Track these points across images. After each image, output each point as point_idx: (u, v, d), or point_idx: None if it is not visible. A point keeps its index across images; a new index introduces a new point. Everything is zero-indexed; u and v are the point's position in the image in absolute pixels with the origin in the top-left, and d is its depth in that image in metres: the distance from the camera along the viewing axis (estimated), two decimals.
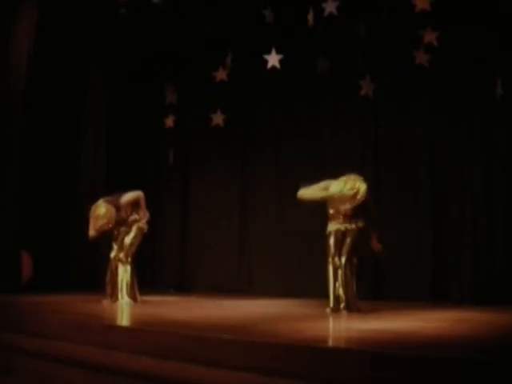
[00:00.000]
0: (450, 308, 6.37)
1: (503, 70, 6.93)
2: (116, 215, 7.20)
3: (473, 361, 3.19)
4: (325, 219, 6.26)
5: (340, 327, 5.14)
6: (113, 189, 7.77)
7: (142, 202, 7.41)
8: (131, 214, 7.38)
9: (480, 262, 7.11)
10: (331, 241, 6.13)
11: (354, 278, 6.06)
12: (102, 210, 7.15)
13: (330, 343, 4.26)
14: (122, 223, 7.36)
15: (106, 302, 7.13)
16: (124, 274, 7.19)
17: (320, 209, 6.62)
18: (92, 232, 7.21)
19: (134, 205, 7.41)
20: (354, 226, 6.11)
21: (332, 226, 6.17)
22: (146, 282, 8.66)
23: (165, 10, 8.45)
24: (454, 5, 7.16)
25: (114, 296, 7.16)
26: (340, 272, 5.98)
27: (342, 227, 6.13)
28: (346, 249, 6.05)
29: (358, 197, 5.91)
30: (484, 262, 7.08)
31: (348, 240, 6.07)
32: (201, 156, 9.76)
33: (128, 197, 7.38)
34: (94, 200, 7.44)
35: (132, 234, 7.33)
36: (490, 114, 7.16)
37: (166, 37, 9.13)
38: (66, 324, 5.24)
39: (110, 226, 7.17)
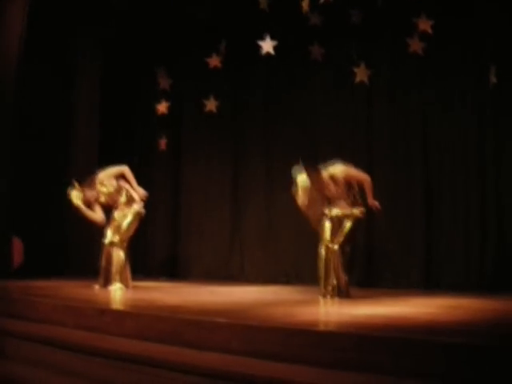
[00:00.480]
0: (443, 295, 6.37)
1: (497, 59, 6.94)
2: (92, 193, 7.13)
3: (468, 345, 3.21)
4: None
5: (333, 312, 5.18)
6: None
7: (130, 177, 7.20)
8: (119, 194, 7.21)
9: (472, 250, 7.15)
10: (326, 226, 6.12)
11: (345, 264, 6.08)
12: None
13: (324, 327, 4.28)
14: (112, 203, 7.27)
15: (97, 287, 7.11)
16: (117, 258, 7.13)
17: None
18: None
19: (120, 180, 7.23)
20: (351, 212, 6.11)
21: (329, 211, 6.16)
22: (137, 268, 8.65)
23: None
24: None
25: (106, 281, 7.14)
26: (332, 258, 5.99)
27: (340, 213, 6.12)
28: (340, 236, 6.05)
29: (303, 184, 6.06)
30: (476, 250, 7.12)
31: (344, 227, 6.08)
32: (193, 142, 9.73)
33: (109, 171, 7.20)
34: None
35: (129, 219, 7.21)
36: (484, 101, 7.18)
37: (160, 22, 9.09)
38: (59, 308, 5.24)
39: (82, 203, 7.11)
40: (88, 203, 7.16)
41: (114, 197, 7.23)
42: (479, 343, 3.27)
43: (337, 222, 6.12)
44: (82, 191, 7.05)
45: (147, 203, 7.52)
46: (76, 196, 7.05)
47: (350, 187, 6.21)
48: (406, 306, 5.35)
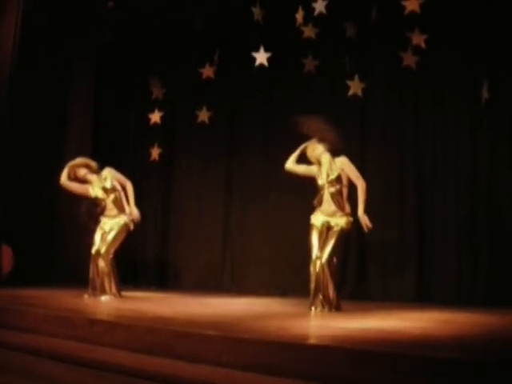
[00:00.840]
0: (436, 309, 6.34)
1: (489, 75, 6.98)
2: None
3: (464, 360, 3.19)
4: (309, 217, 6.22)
5: (325, 325, 5.12)
6: None
7: (131, 193, 7.28)
8: (111, 193, 7.26)
9: (464, 264, 7.16)
10: (314, 236, 6.00)
11: (334, 276, 6.00)
12: None
13: (317, 341, 4.24)
14: (100, 201, 7.30)
15: (88, 297, 7.07)
16: (105, 269, 7.12)
17: (305, 207, 6.62)
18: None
19: (118, 181, 7.34)
20: (340, 220, 6.03)
21: (317, 218, 6.08)
22: (127, 277, 8.60)
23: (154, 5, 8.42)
24: (443, 8, 7.19)
25: (96, 291, 7.10)
26: (320, 271, 5.89)
27: (326, 220, 6.02)
28: (328, 247, 5.91)
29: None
30: (468, 264, 7.13)
31: (332, 238, 5.94)
32: (186, 152, 9.73)
33: (117, 173, 7.38)
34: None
35: (116, 231, 7.22)
36: (476, 115, 7.21)
37: (154, 32, 9.10)
38: (49, 318, 5.18)
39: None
40: (77, 178, 7.37)
41: (106, 193, 7.30)
42: (475, 358, 3.25)
43: (324, 231, 5.99)
44: (81, 166, 7.33)
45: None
46: (72, 165, 7.34)
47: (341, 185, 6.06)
48: (400, 320, 5.31)
